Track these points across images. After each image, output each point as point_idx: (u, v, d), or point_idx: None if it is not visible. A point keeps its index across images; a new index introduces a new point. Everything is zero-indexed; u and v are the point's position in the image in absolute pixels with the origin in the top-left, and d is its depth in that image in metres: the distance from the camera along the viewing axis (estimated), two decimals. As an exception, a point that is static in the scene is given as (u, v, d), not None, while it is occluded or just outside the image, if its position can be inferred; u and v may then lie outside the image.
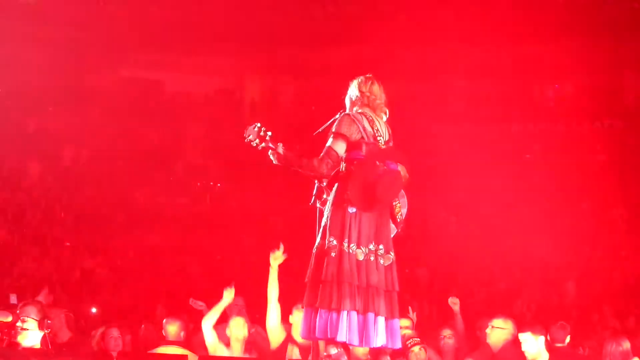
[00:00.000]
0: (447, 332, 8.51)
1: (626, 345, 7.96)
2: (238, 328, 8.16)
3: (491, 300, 13.18)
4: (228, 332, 8.22)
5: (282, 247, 7.95)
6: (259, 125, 5.97)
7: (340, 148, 5.83)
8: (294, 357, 7.95)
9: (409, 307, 8.78)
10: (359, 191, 5.75)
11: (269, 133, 5.93)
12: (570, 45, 18.77)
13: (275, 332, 8.19)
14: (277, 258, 7.99)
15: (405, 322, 8.00)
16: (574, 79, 20.36)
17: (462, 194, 16.47)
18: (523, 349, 7.61)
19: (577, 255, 14.77)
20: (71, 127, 18.76)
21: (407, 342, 7.94)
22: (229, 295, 8.17)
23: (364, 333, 5.70)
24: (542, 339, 7.59)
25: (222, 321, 8.42)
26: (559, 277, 13.84)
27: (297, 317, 7.84)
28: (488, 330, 8.13)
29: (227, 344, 8.21)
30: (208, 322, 8.16)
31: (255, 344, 8.37)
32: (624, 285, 13.78)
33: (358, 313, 5.70)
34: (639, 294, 12.88)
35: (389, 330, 5.80)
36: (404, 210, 6.02)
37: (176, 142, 20.26)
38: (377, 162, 5.82)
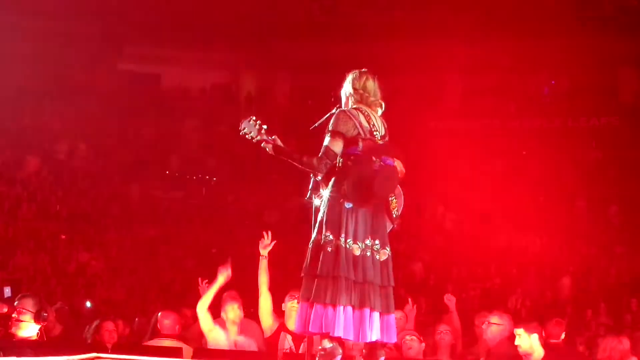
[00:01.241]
0: (443, 328, 8.53)
1: (626, 343, 7.96)
2: (233, 311, 8.22)
3: (486, 296, 13.20)
4: (224, 315, 8.28)
5: (269, 235, 8.06)
6: (254, 118, 6.00)
7: (338, 147, 5.81)
8: (286, 346, 7.99)
9: (409, 299, 8.81)
10: (355, 187, 5.74)
11: (265, 126, 5.95)
12: (566, 41, 18.80)
13: (267, 320, 8.26)
14: (265, 246, 8.09)
15: (397, 314, 8.00)
16: (570, 76, 20.37)
17: (458, 190, 16.47)
18: (516, 343, 7.61)
19: (572, 251, 14.79)
20: (67, 121, 18.73)
21: (403, 339, 7.96)
22: (223, 276, 8.19)
23: (359, 328, 5.69)
24: (535, 336, 7.58)
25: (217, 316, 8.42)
26: (554, 273, 13.84)
27: (290, 306, 7.90)
28: (484, 326, 8.14)
29: (223, 326, 8.25)
30: (203, 305, 8.19)
31: (250, 330, 8.40)
32: (619, 281, 13.79)
33: (354, 308, 5.69)
34: (634, 291, 12.89)
35: (385, 325, 5.80)
36: (400, 206, 6.01)
37: (172, 136, 20.23)
38: (374, 158, 5.81)
